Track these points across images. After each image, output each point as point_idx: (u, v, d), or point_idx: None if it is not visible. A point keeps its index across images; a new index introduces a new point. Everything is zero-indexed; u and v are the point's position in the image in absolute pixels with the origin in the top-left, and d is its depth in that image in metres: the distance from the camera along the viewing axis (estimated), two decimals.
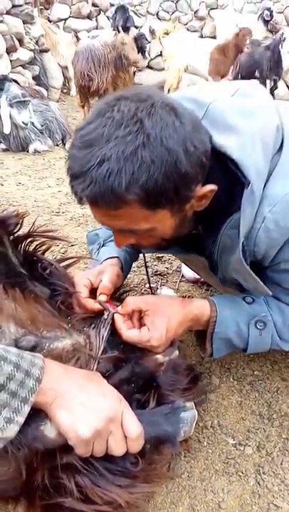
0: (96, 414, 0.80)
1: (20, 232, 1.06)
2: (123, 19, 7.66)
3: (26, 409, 0.73)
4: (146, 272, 1.36)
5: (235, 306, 1.07)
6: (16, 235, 1.05)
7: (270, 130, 0.92)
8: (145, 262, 1.36)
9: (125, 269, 1.26)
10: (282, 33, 6.94)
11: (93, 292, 1.11)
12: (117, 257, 1.23)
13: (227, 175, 0.90)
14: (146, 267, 1.36)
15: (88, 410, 0.79)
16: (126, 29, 7.30)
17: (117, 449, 0.83)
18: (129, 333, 1.00)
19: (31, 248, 1.09)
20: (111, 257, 1.22)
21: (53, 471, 0.81)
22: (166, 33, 7.78)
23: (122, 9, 7.84)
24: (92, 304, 1.07)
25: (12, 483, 0.82)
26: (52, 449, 0.81)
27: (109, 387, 0.88)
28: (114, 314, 1.02)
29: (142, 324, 1.03)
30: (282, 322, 1.06)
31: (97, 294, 1.09)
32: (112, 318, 1.02)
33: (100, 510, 0.82)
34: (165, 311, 1.02)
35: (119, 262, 1.22)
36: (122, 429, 0.83)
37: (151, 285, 1.77)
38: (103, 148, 0.74)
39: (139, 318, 1.05)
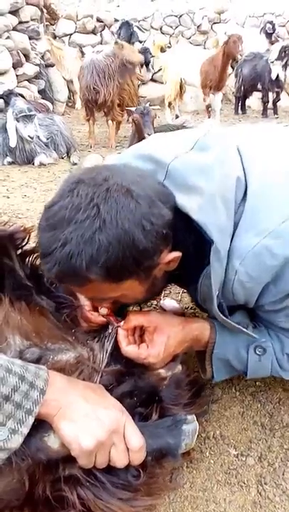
0: (99, 426, 0.81)
1: (27, 247, 1.09)
2: (127, 34, 7.78)
3: (30, 420, 0.75)
4: None
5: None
6: (23, 249, 1.08)
7: (230, 184, 0.93)
8: None
9: None
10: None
11: (96, 307, 1.13)
12: None
13: (195, 232, 0.92)
14: None
15: (91, 422, 0.81)
16: (130, 44, 7.40)
17: (119, 461, 0.84)
18: (127, 348, 1.02)
19: (38, 262, 1.12)
20: None
21: (55, 483, 0.83)
22: (163, 49, 7.86)
23: (126, 25, 7.97)
24: (97, 317, 1.09)
25: (15, 494, 0.83)
26: (55, 460, 0.83)
27: (112, 399, 0.90)
28: (118, 330, 1.05)
29: (143, 340, 1.05)
30: (280, 350, 1.07)
31: (99, 307, 1.11)
32: (116, 333, 1.05)
33: None
34: (165, 329, 1.04)
35: None
36: (125, 441, 0.85)
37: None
38: (65, 232, 0.79)
39: (141, 334, 1.07)
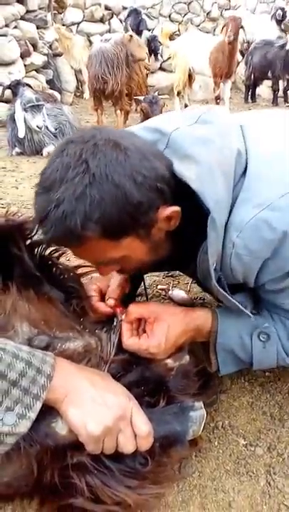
0: (106, 412, 0.82)
1: (36, 237, 1.09)
2: (136, 22, 7.66)
3: (38, 405, 0.75)
4: (145, 288, 1.37)
5: (237, 317, 1.06)
6: (32, 239, 1.08)
7: (229, 157, 0.92)
8: (144, 280, 1.35)
9: (136, 279, 1.27)
10: None
11: (103, 297, 1.13)
12: None
13: (194, 201, 0.90)
14: (145, 284, 1.37)
15: (98, 408, 0.82)
16: (139, 32, 7.31)
17: (127, 447, 0.85)
18: (128, 342, 1.02)
19: (46, 253, 1.12)
20: None
21: (63, 470, 0.84)
22: (171, 36, 7.76)
23: (134, 12, 7.83)
24: (104, 308, 1.09)
25: (24, 480, 0.84)
26: (63, 447, 0.83)
27: (119, 385, 0.90)
28: (122, 323, 1.04)
29: (145, 332, 1.04)
30: (285, 336, 1.05)
31: (106, 298, 1.11)
32: (120, 326, 1.04)
33: (109, 510, 0.84)
34: (165, 319, 1.03)
35: None
36: (132, 427, 0.85)
37: (163, 286, 1.79)
38: (58, 192, 0.79)
39: (144, 326, 1.06)
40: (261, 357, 1.07)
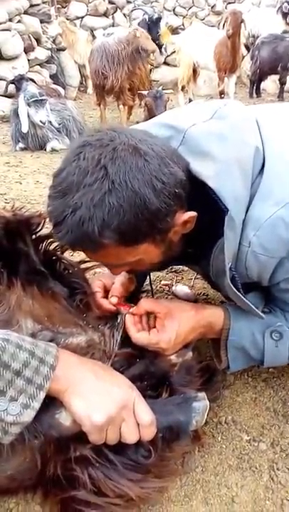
0: (109, 402, 0.82)
1: (41, 232, 1.09)
2: (158, 30, 7.28)
3: (42, 395, 0.76)
4: (150, 283, 1.37)
5: (250, 315, 1.05)
6: (38, 234, 1.08)
7: (247, 154, 0.91)
8: (149, 276, 1.36)
9: (140, 275, 1.27)
10: None
11: (107, 294, 1.13)
12: None
13: (209, 199, 0.89)
14: (150, 280, 1.37)
15: (102, 397, 0.82)
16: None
17: (130, 437, 0.85)
18: (138, 335, 1.01)
19: (51, 248, 1.12)
20: None
21: (66, 463, 0.84)
22: (174, 30, 7.64)
23: (159, 19, 7.28)
24: (108, 304, 1.09)
25: (28, 473, 0.85)
26: (66, 441, 0.83)
27: (121, 376, 0.90)
28: (126, 317, 1.04)
29: (153, 327, 1.04)
30: None
31: (109, 296, 1.11)
32: (124, 321, 1.04)
33: (111, 503, 0.85)
34: (176, 315, 1.03)
35: None
36: (135, 417, 0.85)
37: (166, 282, 1.79)
38: (74, 197, 0.77)
39: (152, 320, 1.06)
40: (273, 355, 1.07)
